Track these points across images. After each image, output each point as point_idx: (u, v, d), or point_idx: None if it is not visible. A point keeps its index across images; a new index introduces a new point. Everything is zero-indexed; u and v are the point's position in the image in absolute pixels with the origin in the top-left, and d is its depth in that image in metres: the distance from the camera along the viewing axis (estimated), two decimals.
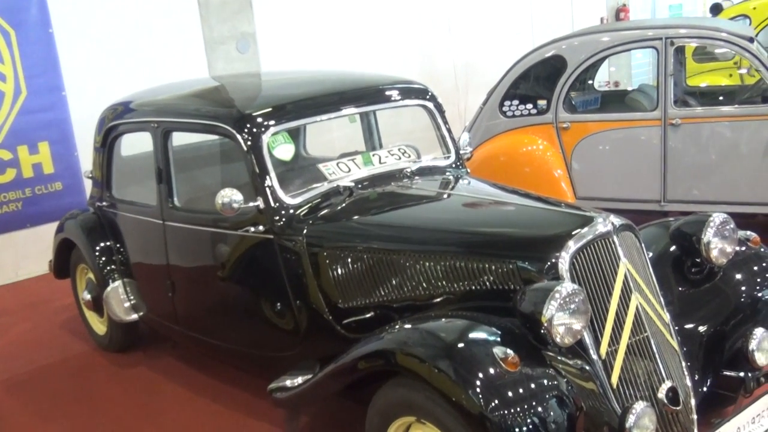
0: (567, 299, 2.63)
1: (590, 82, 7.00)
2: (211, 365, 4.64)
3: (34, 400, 4.57)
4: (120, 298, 4.71)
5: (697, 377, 3.04)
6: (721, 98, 6.44)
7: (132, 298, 4.72)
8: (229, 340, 4.06)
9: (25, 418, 4.37)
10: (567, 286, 2.66)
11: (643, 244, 3.11)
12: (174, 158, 4.21)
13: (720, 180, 5.74)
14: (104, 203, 4.89)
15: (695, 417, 2.89)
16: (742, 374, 3.05)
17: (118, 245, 4.80)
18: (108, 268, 4.76)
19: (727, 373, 3.09)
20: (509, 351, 2.52)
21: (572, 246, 2.86)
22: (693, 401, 2.91)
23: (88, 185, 5.33)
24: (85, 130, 6.48)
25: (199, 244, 4.06)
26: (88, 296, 4.99)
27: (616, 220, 3.01)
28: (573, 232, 2.91)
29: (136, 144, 4.83)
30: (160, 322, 4.56)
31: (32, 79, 6.80)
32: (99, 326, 5.17)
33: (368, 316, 3.39)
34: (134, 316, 4.73)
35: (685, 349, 3.05)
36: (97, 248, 4.81)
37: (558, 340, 2.65)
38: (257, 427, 3.96)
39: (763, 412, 2.89)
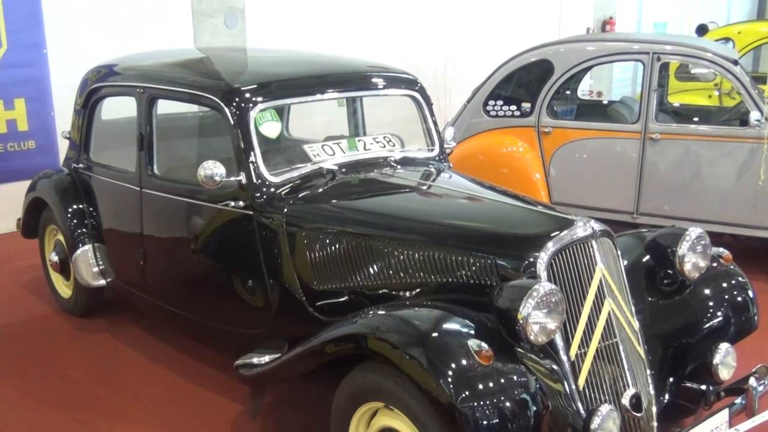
0: (544, 298, 2.66)
1: (574, 90, 7.06)
2: (176, 337, 4.60)
3: None
4: (89, 262, 4.67)
5: (660, 386, 3.09)
6: (700, 118, 6.53)
7: (101, 263, 4.67)
8: (198, 313, 4.02)
9: None
10: (545, 286, 2.68)
11: (619, 252, 3.15)
12: (157, 126, 4.16)
13: (692, 197, 5.83)
14: (80, 165, 4.82)
15: (655, 425, 2.94)
16: (703, 387, 3.12)
17: (91, 209, 4.74)
18: (79, 230, 4.70)
19: (690, 385, 3.15)
20: (483, 344, 2.53)
21: (551, 247, 2.89)
22: (654, 409, 2.96)
23: (62, 146, 5.26)
24: (63, 91, 6.38)
25: (176, 214, 4.02)
26: (55, 258, 4.93)
27: (596, 226, 3.04)
28: (553, 234, 2.93)
29: (114, 109, 4.77)
30: (129, 290, 4.51)
31: (14, 33, 6.68)
32: (64, 289, 5.10)
33: (342, 300, 3.39)
34: (102, 282, 4.68)
35: (650, 357, 3.10)
36: (70, 210, 4.74)
37: (532, 338, 2.67)
38: (219, 402, 3.94)
39: (721, 425, 2.95)
